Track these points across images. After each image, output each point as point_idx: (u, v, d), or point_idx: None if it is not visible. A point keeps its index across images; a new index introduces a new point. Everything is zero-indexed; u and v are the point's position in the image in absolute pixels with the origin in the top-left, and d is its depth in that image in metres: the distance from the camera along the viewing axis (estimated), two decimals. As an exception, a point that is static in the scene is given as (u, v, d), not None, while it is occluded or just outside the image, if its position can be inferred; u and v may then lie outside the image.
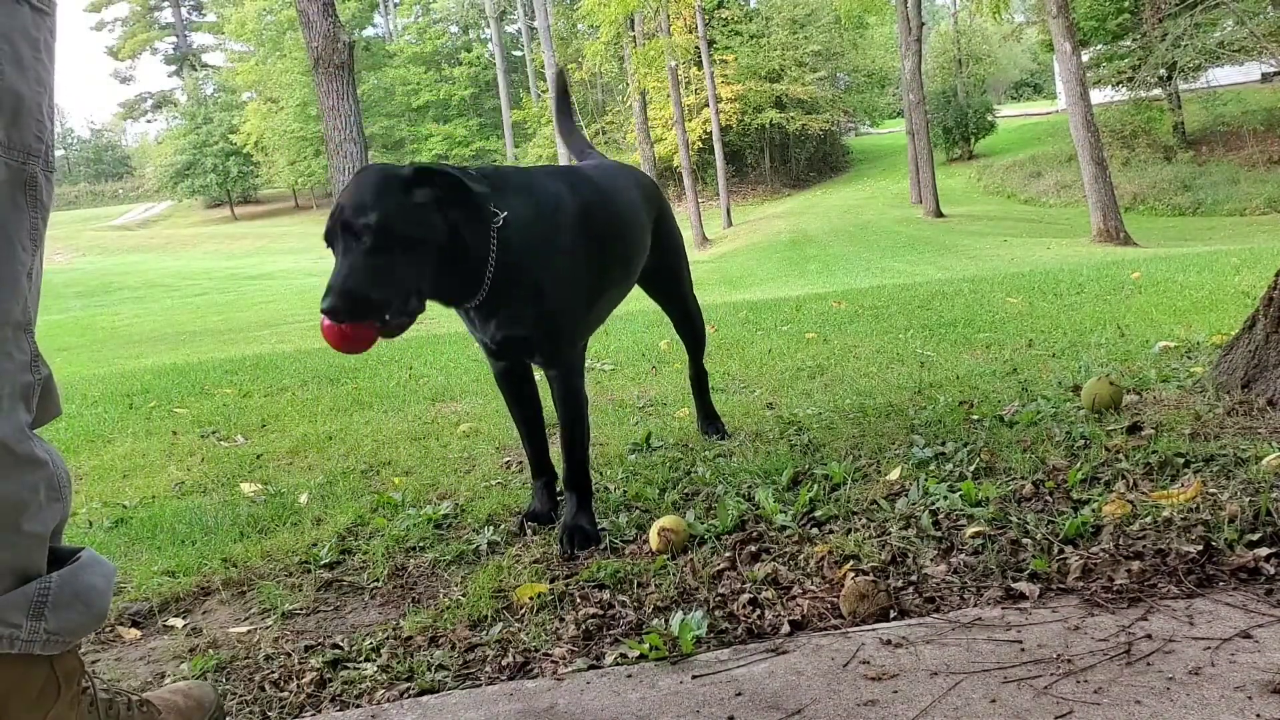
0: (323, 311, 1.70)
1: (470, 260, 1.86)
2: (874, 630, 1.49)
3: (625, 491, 2.32)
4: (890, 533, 1.83)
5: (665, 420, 3.15)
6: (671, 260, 2.62)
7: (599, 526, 2.07)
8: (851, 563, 1.71)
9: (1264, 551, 1.56)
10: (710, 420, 2.86)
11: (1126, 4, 25.10)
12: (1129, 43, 25.77)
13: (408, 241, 1.75)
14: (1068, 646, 1.36)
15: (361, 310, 1.71)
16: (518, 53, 45.58)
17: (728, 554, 1.82)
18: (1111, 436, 2.23)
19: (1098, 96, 22.69)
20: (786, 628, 1.53)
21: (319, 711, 1.47)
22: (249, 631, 1.80)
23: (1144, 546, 1.63)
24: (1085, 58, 20.83)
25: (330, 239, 1.76)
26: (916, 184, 26.36)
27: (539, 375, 2.23)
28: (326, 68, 11.11)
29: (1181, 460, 2.01)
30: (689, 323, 2.76)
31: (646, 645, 1.49)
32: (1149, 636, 1.37)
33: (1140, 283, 5.87)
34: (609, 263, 2.17)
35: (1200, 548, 1.59)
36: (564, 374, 2.07)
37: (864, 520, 1.92)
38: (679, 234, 2.69)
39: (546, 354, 2.06)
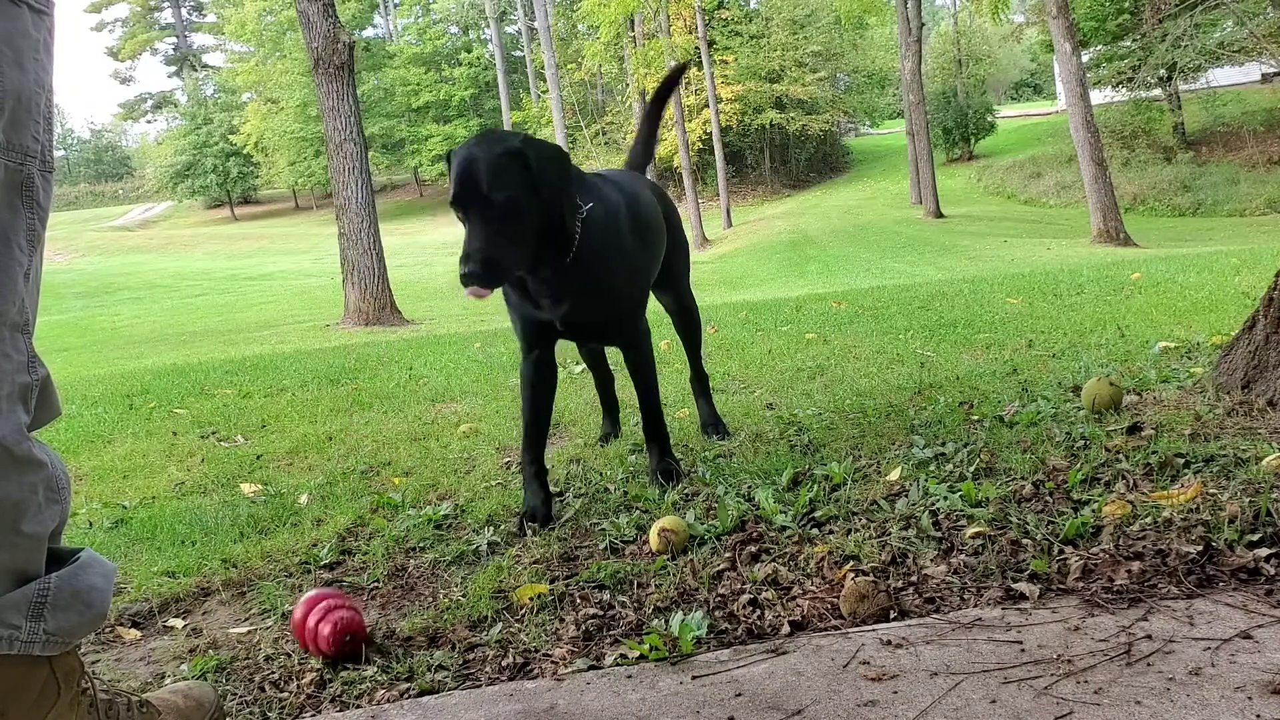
0: (463, 276, 1.97)
1: (561, 235, 2.11)
2: (874, 631, 1.49)
3: (626, 492, 2.32)
4: (890, 533, 1.83)
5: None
6: (678, 256, 2.82)
7: (599, 526, 2.08)
8: (851, 563, 1.71)
9: (1264, 552, 1.55)
10: (712, 422, 2.89)
11: (1126, 4, 25.09)
12: (1129, 43, 25.76)
13: (529, 208, 2.02)
14: (1068, 647, 1.36)
15: (497, 273, 2.00)
16: (518, 53, 45.54)
17: (728, 554, 1.82)
18: (1111, 437, 2.23)
19: (1098, 97, 22.69)
20: (786, 628, 1.53)
21: (319, 712, 1.47)
22: (249, 632, 1.79)
23: (1144, 547, 1.63)
24: (1085, 58, 20.85)
25: (462, 205, 1.99)
26: (916, 184, 26.37)
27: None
28: (326, 68, 11.11)
29: (1181, 461, 2.00)
30: (687, 316, 2.90)
31: (646, 646, 1.49)
32: (1149, 637, 1.37)
33: (1140, 283, 5.88)
34: (651, 252, 2.51)
35: (1200, 548, 1.59)
36: (640, 346, 2.41)
37: (864, 521, 1.92)
38: (684, 233, 2.88)
39: (626, 334, 2.40)
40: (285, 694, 1.52)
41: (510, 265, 2.03)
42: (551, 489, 2.35)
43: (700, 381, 2.93)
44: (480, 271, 1.95)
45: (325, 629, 1.54)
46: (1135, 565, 1.56)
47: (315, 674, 1.56)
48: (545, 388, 2.36)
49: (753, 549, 1.84)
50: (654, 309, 3.16)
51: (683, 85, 30.11)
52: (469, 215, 1.98)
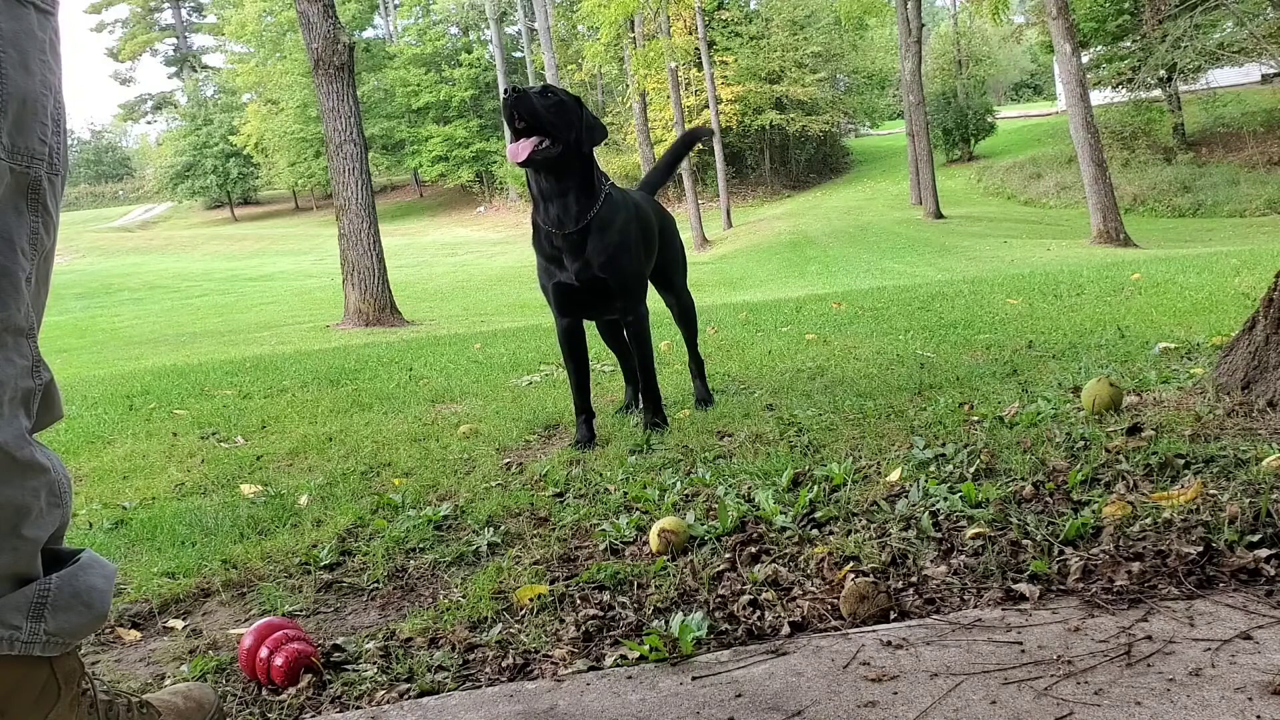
0: (508, 90, 2.64)
1: (587, 193, 2.80)
2: (874, 631, 1.49)
3: (625, 493, 2.32)
4: (890, 534, 1.83)
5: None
6: (673, 260, 3.43)
7: (599, 527, 2.08)
8: (851, 564, 1.71)
9: (1264, 553, 1.55)
10: (704, 397, 3.40)
11: (1126, 5, 25.09)
12: (1129, 44, 25.76)
13: (575, 117, 2.75)
14: (1068, 648, 1.36)
15: (531, 114, 2.63)
16: (518, 54, 45.54)
17: (728, 555, 1.82)
18: (1111, 438, 2.23)
19: (1097, 98, 22.70)
20: (786, 629, 1.53)
21: (319, 713, 1.46)
22: (249, 633, 1.79)
23: (1144, 548, 1.63)
24: (1085, 59, 20.87)
25: (521, 100, 2.64)
26: (916, 185, 26.36)
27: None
28: (326, 69, 11.11)
29: (1182, 461, 2.00)
30: (684, 311, 3.49)
31: (646, 646, 1.49)
32: (1149, 638, 1.37)
33: (1140, 284, 5.88)
34: (646, 244, 3.08)
35: (1200, 549, 1.59)
36: (637, 321, 3.02)
37: (864, 521, 1.92)
38: (680, 243, 3.53)
39: (628, 310, 2.98)
40: (285, 695, 1.52)
41: (543, 123, 2.63)
42: (560, 489, 2.41)
43: (696, 364, 3.48)
44: (521, 98, 2.60)
45: (279, 660, 1.54)
46: (1135, 566, 1.56)
47: (315, 675, 1.56)
48: (579, 349, 3.01)
49: (753, 550, 1.84)
50: (659, 310, 3.40)
51: (683, 86, 30.15)
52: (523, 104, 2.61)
